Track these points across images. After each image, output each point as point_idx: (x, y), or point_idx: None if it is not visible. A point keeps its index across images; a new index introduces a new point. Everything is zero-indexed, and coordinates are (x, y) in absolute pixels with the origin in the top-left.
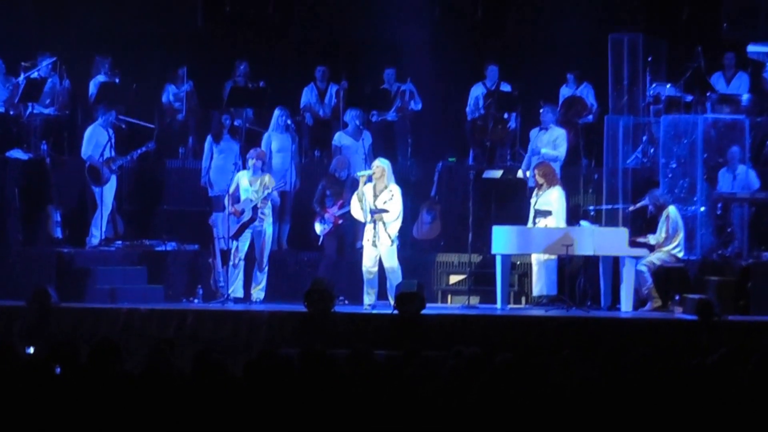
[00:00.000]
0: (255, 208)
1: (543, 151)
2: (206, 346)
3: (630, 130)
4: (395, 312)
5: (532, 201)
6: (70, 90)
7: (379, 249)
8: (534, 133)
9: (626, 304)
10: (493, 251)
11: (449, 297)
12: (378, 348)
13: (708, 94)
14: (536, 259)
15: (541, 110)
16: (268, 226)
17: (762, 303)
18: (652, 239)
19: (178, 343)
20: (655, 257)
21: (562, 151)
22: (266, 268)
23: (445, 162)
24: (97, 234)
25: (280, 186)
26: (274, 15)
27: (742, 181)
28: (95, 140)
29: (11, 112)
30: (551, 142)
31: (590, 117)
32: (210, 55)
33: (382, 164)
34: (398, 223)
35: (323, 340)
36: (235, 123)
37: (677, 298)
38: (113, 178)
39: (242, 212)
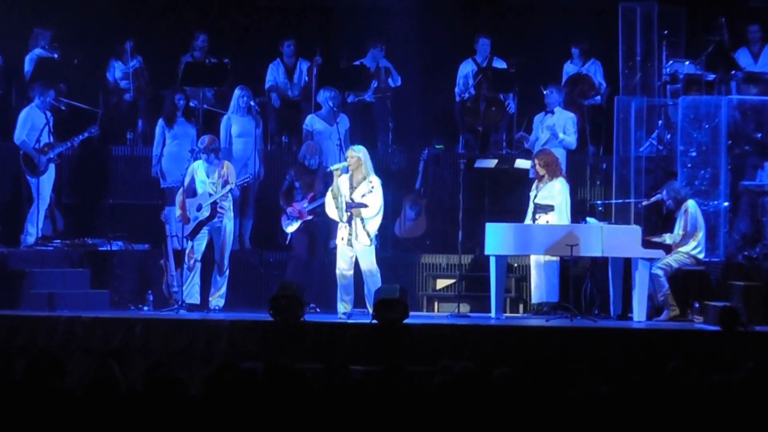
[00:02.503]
0: (214, 204)
1: (561, 136)
2: (159, 360)
3: (643, 112)
4: (374, 321)
5: (532, 194)
6: (3, 66)
7: (356, 249)
8: (539, 117)
9: (639, 313)
10: (487, 252)
11: (436, 304)
12: (354, 363)
13: (732, 72)
14: (536, 261)
15: (545, 91)
16: (228, 222)
17: None
18: (668, 238)
19: (126, 356)
20: (672, 259)
21: (574, 138)
22: (227, 272)
23: (432, 149)
24: (33, 231)
25: (244, 180)
26: None
27: None
28: (31, 124)
29: None
30: (560, 128)
31: (598, 98)
32: (163, 26)
33: (356, 153)
34: (378, 220)
35: (292, 354)
36: (191, 104)
37: (697, 305)
38: (51, 168)
39: (198, 209)
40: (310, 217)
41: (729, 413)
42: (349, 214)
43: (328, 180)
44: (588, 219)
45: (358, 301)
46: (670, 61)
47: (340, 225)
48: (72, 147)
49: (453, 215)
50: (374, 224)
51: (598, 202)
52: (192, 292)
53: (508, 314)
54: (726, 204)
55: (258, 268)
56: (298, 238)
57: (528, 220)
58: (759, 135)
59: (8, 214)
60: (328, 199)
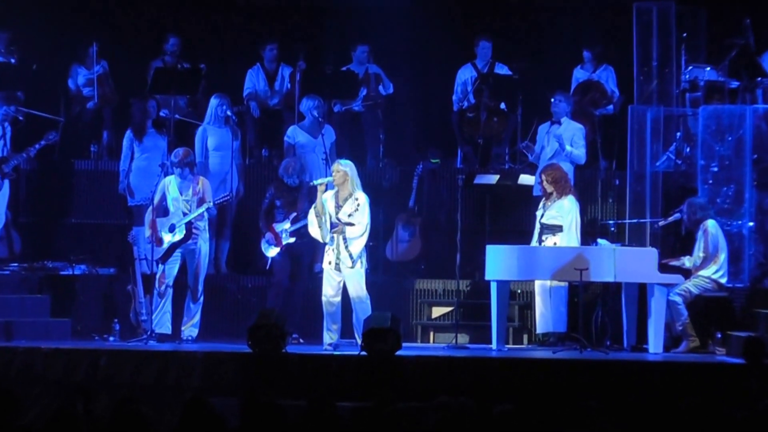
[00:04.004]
0: (189, 225)
1: (568, 148)
2: (126, 395)
3: (660, 123)
4: (363, 353)
5: (538, 213)
6: None
7: (344, 273)
8: (544, 128)
9: (655, 344)
10: (487, 277)
11: (431, 334)
12: (341, 398)
13: (758, 78)
14: (542, 287)
15: (552, 99)
16: (203, 243)
17: None
18: (687, 262)
19: (90, 390)
20: (692, 284)
21: (582, 152)
22: (201, 298)
23: (427, 164)
24: None
25: (223, 198)
26: None
27: None
28: None
29: None
30: (568, 140)
31: (610, 107)
32: (130, 28)
33: (343, 167)
34: (363, 240)
35: (272, 389)
36: (162, 114)
37: (719, 335)
38: (6, 183)
39: (171, 230)
40: (292, 239)
41: None
42: (332, 233)
43: (312, 197)
44: (599, 240)
45: (346, 331)
46: (690, 67)
47: (327, 248)
48: (28, 158)
49: (450, 236)
50: (358, 245)
51: (611, 221)
52: (162, 321)
53: (510, 345)
54: (751, 224)
55: (235, 294)
56: (279, 262)
57: (534, 242)
58: None
59: None
60: (311, 217)
